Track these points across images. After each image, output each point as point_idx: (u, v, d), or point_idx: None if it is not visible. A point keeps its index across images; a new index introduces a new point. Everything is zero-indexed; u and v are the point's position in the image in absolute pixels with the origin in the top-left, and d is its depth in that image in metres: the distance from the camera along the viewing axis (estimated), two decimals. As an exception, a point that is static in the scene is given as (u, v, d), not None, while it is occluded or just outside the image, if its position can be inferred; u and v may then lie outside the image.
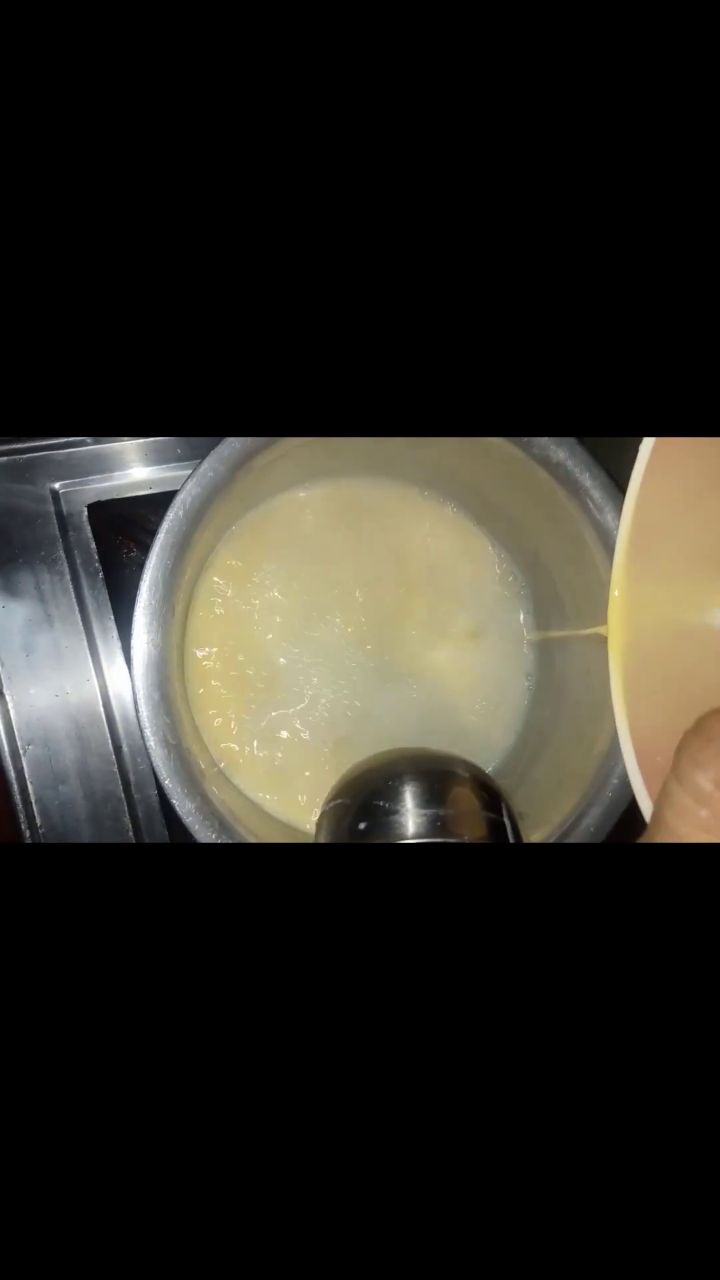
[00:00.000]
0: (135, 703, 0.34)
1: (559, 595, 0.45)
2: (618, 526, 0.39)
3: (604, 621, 0.34)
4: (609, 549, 0.39)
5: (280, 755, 0.45)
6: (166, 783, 0.34)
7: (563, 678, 0.46)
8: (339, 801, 0.34)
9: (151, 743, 0.33)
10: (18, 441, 0.49)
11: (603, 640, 0.34)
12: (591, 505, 0.39)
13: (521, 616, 0.48)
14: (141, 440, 0.50)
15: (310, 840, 0.40)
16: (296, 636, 0.46)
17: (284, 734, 0.45)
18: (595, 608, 0.41)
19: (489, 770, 0.47)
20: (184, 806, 0.34)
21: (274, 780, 0.44)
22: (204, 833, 0.35)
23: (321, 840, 0.34)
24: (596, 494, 0.39)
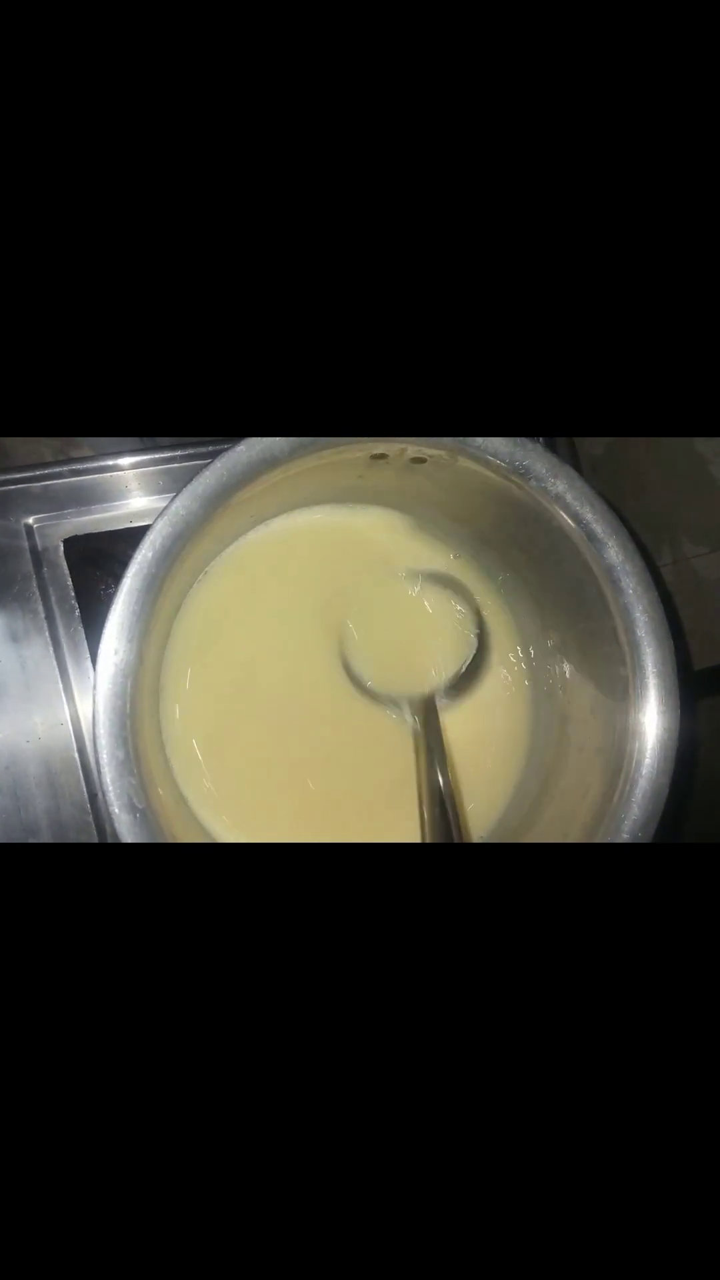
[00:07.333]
0: (96, 764, 0.31)
1: (546, 628, 0.43)
2: (618, 560, 0.36)
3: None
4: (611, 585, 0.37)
5: (265, 806, 0.42)
6: (132, 849, 0.31)
7: (564, 718, 0.43)
8: None
9: (115, 808, 0.31)
10: (-10, 474, 0.47)
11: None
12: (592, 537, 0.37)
13: (516, 650, 0.45)
14: (122, 471, 0.48)
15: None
16: (281, 680, 0.43)
17: (267, 785, 0.42)
18: (593, 646, 0.39)
19: (491, 820, 0.44)
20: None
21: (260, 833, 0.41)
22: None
23: None
24: (598, 528, 0.37)
